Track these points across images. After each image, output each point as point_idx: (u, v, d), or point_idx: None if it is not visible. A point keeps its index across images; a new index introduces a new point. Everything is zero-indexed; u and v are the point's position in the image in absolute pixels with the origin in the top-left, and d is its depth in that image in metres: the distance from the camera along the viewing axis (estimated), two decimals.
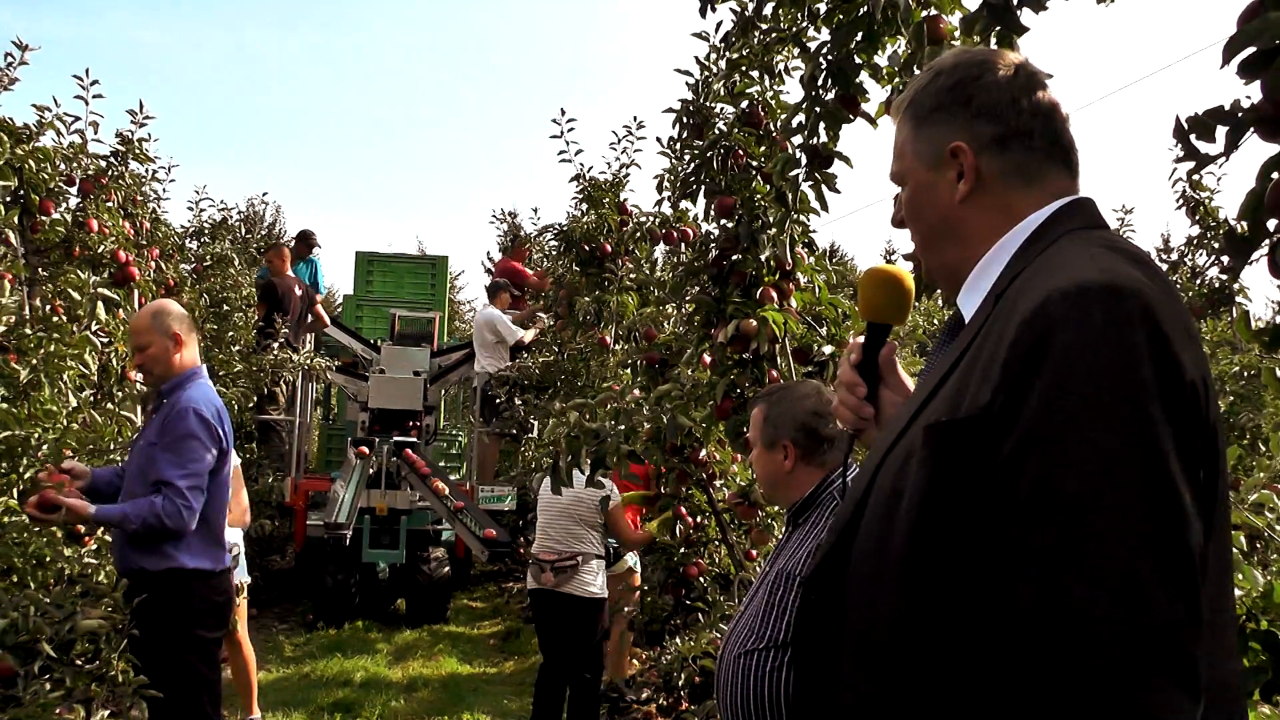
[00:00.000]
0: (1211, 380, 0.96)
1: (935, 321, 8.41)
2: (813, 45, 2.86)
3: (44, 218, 4.59)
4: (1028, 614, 0.88)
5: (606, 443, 3.57)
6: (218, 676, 3.37)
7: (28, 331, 3.69)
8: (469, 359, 8.90)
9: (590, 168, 6.56)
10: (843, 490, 1.87)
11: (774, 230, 3.47)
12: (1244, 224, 1.45)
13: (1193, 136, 1.48)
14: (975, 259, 1.15)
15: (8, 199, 4.39)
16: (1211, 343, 6.68)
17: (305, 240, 10.04)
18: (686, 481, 4.31)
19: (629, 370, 5.66)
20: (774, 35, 3.41)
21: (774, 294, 3.61)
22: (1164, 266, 7.17)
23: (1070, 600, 0.85)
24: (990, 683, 0.91)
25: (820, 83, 2.77)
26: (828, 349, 3.67)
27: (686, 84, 3.93)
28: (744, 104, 3.76)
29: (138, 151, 5.26)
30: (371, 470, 7.66)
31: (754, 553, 4.27)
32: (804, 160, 3.01)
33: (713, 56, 3.85)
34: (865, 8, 2.60)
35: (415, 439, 8.18)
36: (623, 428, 3.60)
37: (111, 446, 4.11)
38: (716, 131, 3.82)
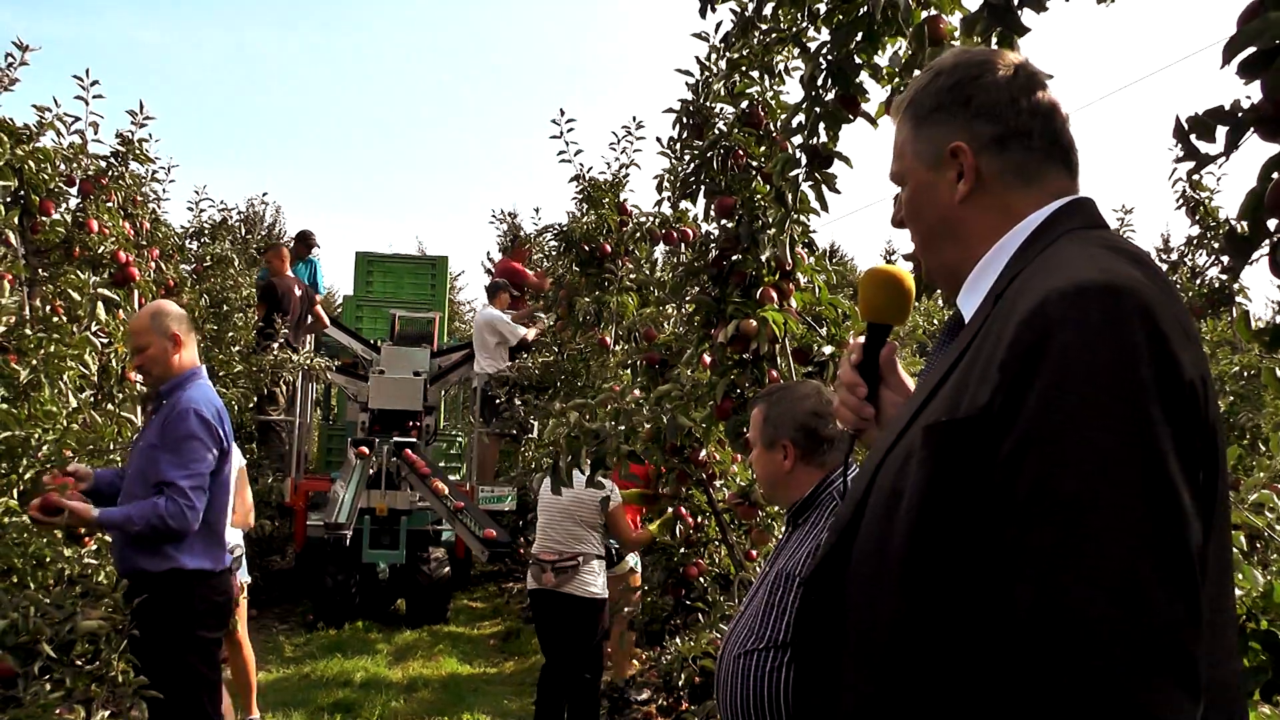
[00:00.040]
0: (1211, 380, 0.96)
1: (935, 321, 8.41)
2: (813, 45, 2.86)
3: (44, 218, 4.60)
4: (1027, 614, 0.88)
5: (606, 443, 3.57)
6: (218, 677, 3.37)
7: (28, 332, 3.69)
8: (469, 359, 8.90)
9: (590, 168, 6.56)
10: (843, 491, 1.87)
11: (774, 230, 3.47)
12: (1244, 224, 1.45)
13: (1193, 136, 1.48)
14: (975, 259, 1.15)
15: (8, 199, 4.39)
16: (1211, 343, 6.68)
17: (304, 240, 10.04)
18: (687, 482, 4.31)
19: (629, 370, 5.66)
20: (774, 35, 3.41)
21: (774, 294, 3.61)
22: (1164, 266, 7.17)
23: (1069, 600, 0.85)
24: (990, 683, 0.91)
25: (820, 83, 2.77)
26: (828, 349, 3.67)
27: (686, 84, 3.93)
28: (744, 104, 3.77)
29: (138, 152, 5.26)
30: (371, 471, 7.66)
31: (754, 553, 4.27)
32: (804, 160, 3.01)
33: (713, 57, 3.85)
34: (865, 8, 2.60)
35: (415, 439, 8.18)
36: (623, 428, 3.60)
37: (111, 447, 4.11)
38: (716, 132, 3.82)
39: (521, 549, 8.67)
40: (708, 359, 3.80)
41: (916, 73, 2.24)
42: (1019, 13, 2.07)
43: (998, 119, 1.15)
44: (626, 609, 5.28)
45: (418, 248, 23.71)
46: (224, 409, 3.42)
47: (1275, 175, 1.40)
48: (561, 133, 6.25)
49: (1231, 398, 5.75)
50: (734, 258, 3.65)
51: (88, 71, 4.76)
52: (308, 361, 7.88)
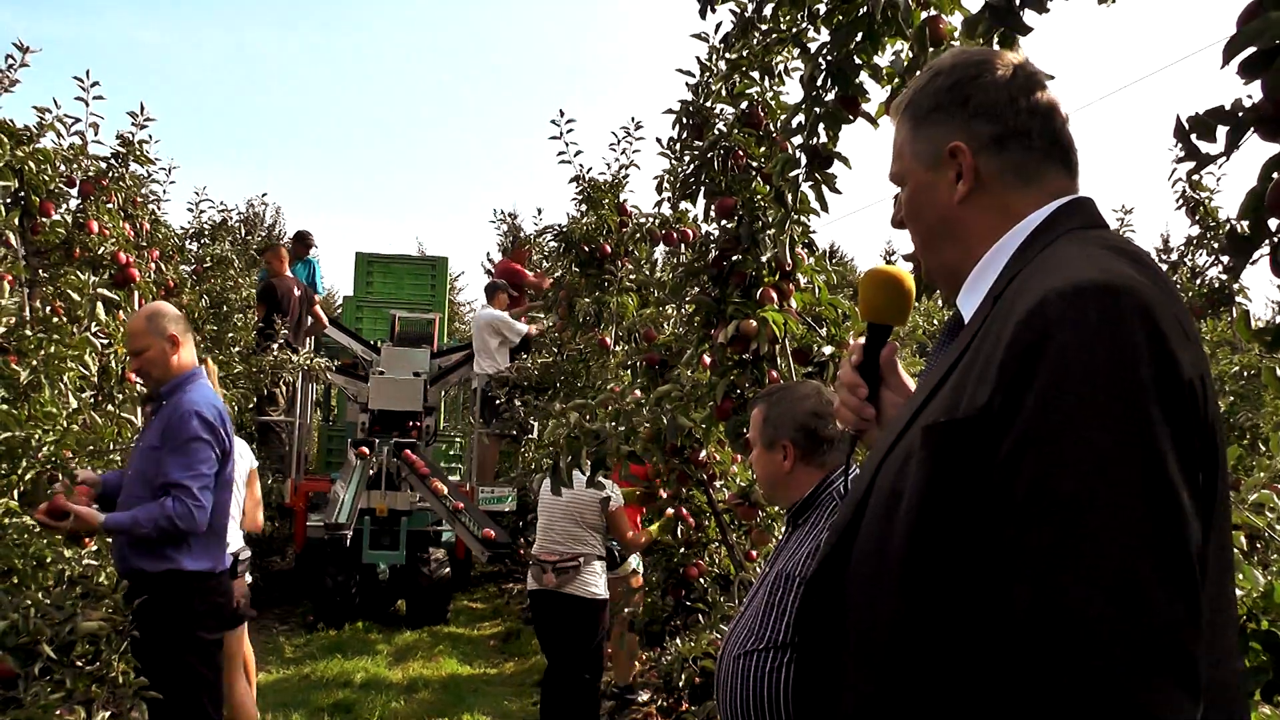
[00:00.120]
0: (1210, 380, 0.96)
1: (935, 322, 8.41)
2: (812, 46, 2.86)
3: (44, 219, 4.59)
4: (1026, 614, 0.88)
5: (606, 444, 3.57)
6: (218, 677, 3.37)
7: (28, 333, 3.69)
8: (469, 360, 8.91)
9: (590, 169, 6.56)
10: (843, 492, 1.87)
11: (774, 231, 3.47)
12: (1245, 223, 1.45)
13: (1193, 136, 1.48)
14: (974, 259, 1.15)
15: (8, 200, 4.39)
16: (1211, 343, 6.68)
17: (302, 240, 10.05)
18: (687, 482, 4.31)
19: (629, 371, 5.66)
20: (774, 36, 3.41)
21: (774, 294, 3.61)
22: (1164, 266, 7.16)
23: (1068, 600, 0.85)
24: (990, 683, 0.91)
25: (820, 83, 2.77)
26: (828, 349, 3.66)
27: (686, 84, 3.93)
28: (744, 105, 3.76)
29: (138, 153, 5.25)
30: (371, 471, 7.66)
31: (754, 553, 4.27)
32: (804, 161, 3.01)
33: (712, 57, 3.85)
34: (865, 8, 2.60)
35: (415, 440, 8.18)
36: (623, 429, 3.60)
37: (111, 448, 4.11)
38: (716, 132, 3.82)
39: (521, 550, 8.67)
40: (708, 359, 3.80)
41: (917, 73, 2.24)
42: (1021, 13, 2.07)
43: (996, 119, 1.15)
44: (627, 609, 5.28)
45: (418, 248, 23.73)
46: (225, 409, 3.42)
47: (1276, 175, 1.40)
48: (561, 133, 6.25)
49: (1231, 398, 5.75)
50: (734, 258, 3.65)
51: (88, 73, 4.76)
52: (307, 362, 7.88)
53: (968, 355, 1.02)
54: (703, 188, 3.78)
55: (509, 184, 44.04)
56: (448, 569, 8.15)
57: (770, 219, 3.53)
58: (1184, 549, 0.86)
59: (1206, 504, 0.92)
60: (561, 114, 6.22)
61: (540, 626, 4.95)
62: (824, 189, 3.08)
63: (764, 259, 3.59)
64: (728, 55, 3.68)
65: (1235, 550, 2.16)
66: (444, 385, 9.45)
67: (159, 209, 5.80)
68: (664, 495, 4.69)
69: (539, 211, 15.54)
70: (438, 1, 51.77)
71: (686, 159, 3.86)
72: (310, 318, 8.81)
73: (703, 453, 4.19)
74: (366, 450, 7.75)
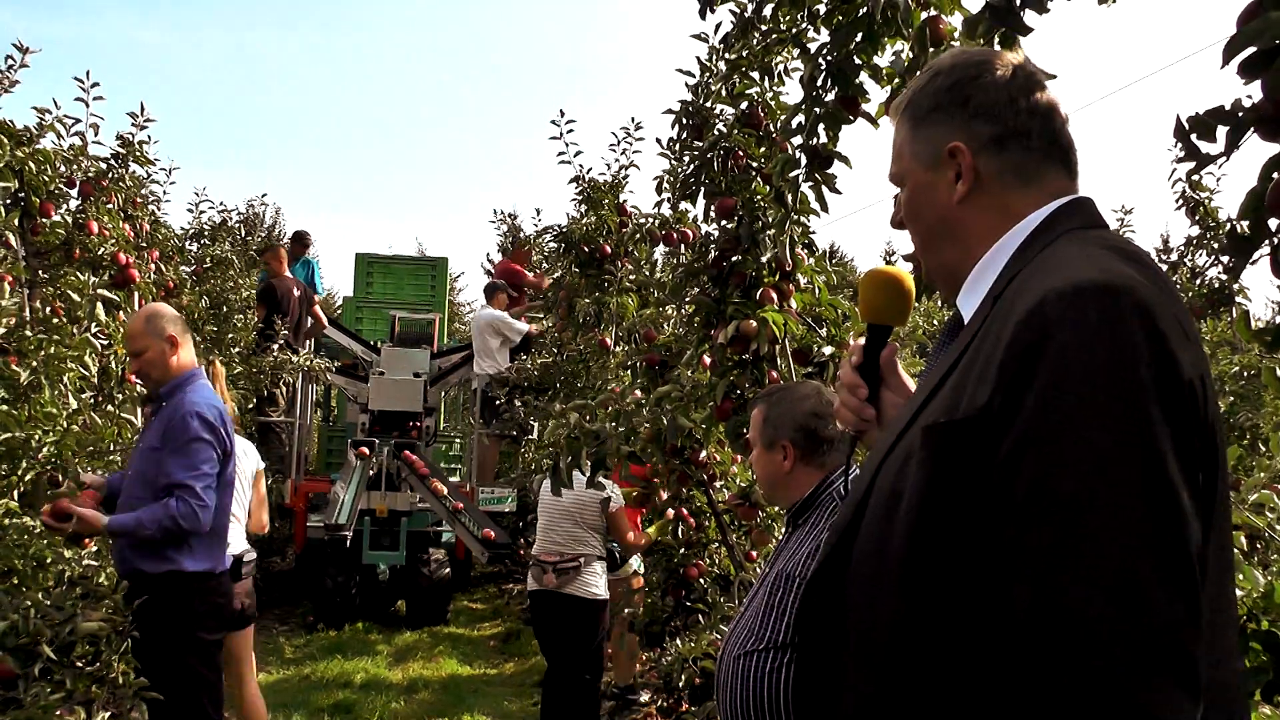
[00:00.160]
0: (1210, 380, 0.96)
1: (935, 322, 8.41)
2: (812, 46, 2.86)
3: (44, 220, 4.59)
4: (1026, 614, 0.88)
5: (606, 444, 3.57)
6: (218, 678, 3.37)
7: (28, 333, 3.69)
8: (469, 361, 8.91)
9: (590, 169, 6.56)
10: (843, 492, 1.87)
11: (774, 231, 3.47)
12: (1245, 224, 1.45)
13: (1193, 136, 1.48)
14: (974, 259, 1.15)
15: (8, 201, 4.39)
16: (1211, 343, 6.68)
17: (299, 240, 10.06)
18: (687, 483, 4.31)
19: (629, 372, 5.66)
20: (774, 36, 3.41)
21: (774, 295, 3.60)
22: (1164, 267, 7.15)
23: (1068, 600, 0.85)
24: (990, 683, 0.91)
25: (820, 83, 2.77)
26: (828, 350, 3.66)
27: (686, 85, 3.93)
28: (744, 105, 3.76)
29: (138, 154, 5.25)
30: (371, 472, 7.66)
31: (754, 554, 4.27)
32: (804, 161, 3.01)
33: (712, 58, 3.85)
34: (865, 9, 2.60)
35: (415, 440, 8.18)
36: (623, 429, 3.60)
37: (111, 448, 4.11)
38: (716, 132, 3.82)
39: (521, 550, 8.67)
40: (708, 360, 3.80)
41: (917, 74, 2.23)
42: (1021, 13, 2.07)
43: (996, 119, 1.15)
44: (627, 610, 5.28)
45: (417, 249, 23.75)
46: (225, 409, 3.42)
47: (1276, 175, 1.40)
48: (561, 133, 6.24)
49: (1231, 398, 5.75)
50: (734, 259, 3.65)
51: (88, 73, 4.76)
52: (307, 363, 7.88)
53: (967, 355, 1.02)
54: (703, 188, 3.78)
55: (509, 184, 44.12)
56: (448, 569, 8.15)
57: (770, 219, 3.53)
58: (1184, 549, 0.86)
59: (1206, 504, 0.92)
60: (562, 114, 6.22)
61: (540, 627, 4.94)
62: (824, 189, 3.07)
63: (764, 259, 3.59)
64: (727, 55, 3.68)
65: (1235, 550, 2.16)
66: (444, 386, 9.45)
67: (159, 210, 5.81)
68: (663, 496, 4.69)
69: (538, 212, 15.53)
70: (438, 2, 51.82)
71: (686, 159, 3.86)
72: (310, 318, 8.81)
73: (703, 453, 4.19)
74: (366, 451, 7.75)
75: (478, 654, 7.31)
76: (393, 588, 7.99)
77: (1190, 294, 6.73)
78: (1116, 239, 1.06)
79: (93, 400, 4.21)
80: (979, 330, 1.03)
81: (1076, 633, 0.84)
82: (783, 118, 3.25)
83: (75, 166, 4.89)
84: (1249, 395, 5.70)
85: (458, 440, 10.41)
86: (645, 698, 5.58)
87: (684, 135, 3.94)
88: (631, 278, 6.46)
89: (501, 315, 8.65)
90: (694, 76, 3.91)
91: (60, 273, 4.57)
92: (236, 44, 43.72)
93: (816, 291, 3.79)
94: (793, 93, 5.36)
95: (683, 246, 5.79)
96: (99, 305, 4.27)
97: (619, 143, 6.40)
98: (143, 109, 5.28)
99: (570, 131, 6.25)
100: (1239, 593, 2.00)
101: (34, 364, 3.61)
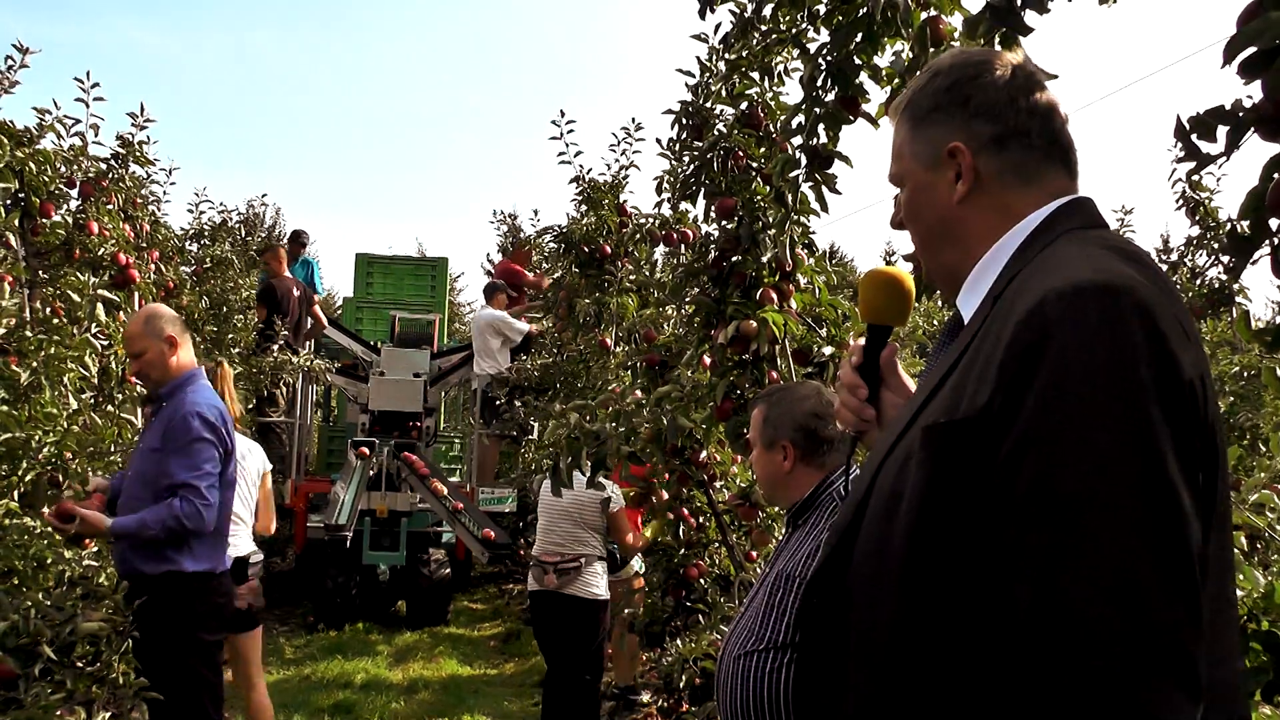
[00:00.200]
0: (1211, 380, 0.96)
1: (935, 322, 8.41)
2: (812, 46, 2.86)
3: (44, 220, 4.60)
4: (1026, 614, 0.88)
5: (606, 444, 3.56)
6: (219, 678, 3.37)
7: (28, 334, 3.69)
8: (469, 361, 8.91)
9: (590, 169, 6.56)
10: (843, 492, 1.87)
11: (774, 231, 3.47)
12: (1245, 223, 1.45)
13: (1194, 136, 1.48)
14: (974, 259, 1.15)
15: (8, 202, 4.39)
16: (1212, 343, 6.67)
17: (297, 239, 10.06)
18: (687, 483, 4.31)
19: (629, 372, 5.66)
20: (773, 36, 3.41)
21: (774, 295, 3.60)
22: (1164, 267, 7.14)
23: (1068, 600, 0.85)
24: (990, 683, 0.91)
25: (820, 84, 2.77)
26: (828, 350, 3.66)
27: (686, 85, 3.93)
28: (743, 105, 3.76)
29: (138, 154, 5.26)
30: (372, 472, 7.66)
31: (754, 554, 4.26)
32: (804, 161, 3.01)
33: (712, 58, 3.85)
34: (865, 9, 2.59)
35: (415, 441, 8.18)
36: (623, 429, 3.60)
37: (112, 449, 4.11)
38: (716, 133, 3.81)
39: (522, 551, 8.67)
40: (708, 360, 3.80)
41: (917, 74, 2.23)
42: (1022, 13, 2.07)
43: (996, 119, 1.15)
44: (627, 610, 5.28)
45: (417, 249, 23.76)
46: (225, 410, 3.42)
47: (1276, 175, 1.40)
48: (562, 133, 6.24)
49: (1231, 398, 5.75)
50: (734, 259, 3.65)
51: (88, 74, 4.76)
52: (308, 363, 7.88)
53: (967, 356, 1.02)
54: (703, 188, 3.77)
55: (509, 184, 44.13)
56: (448, 570, 8.16)
57: (770, 219, 3.53)
58: (1184, 549, 0.86)
59: (1207, 504, 0.92)
60: (562, 114, 6.22)
61: (540, 627, 4.94)
62: (824, 189, 3.07)
63: (764, 260, 3.59)
64: (727, 56, 3.68)
65: (1235, 551, 2.16)
66: (444, 386, 9.45)
67: (159, 210, 5.81)
68: (663, 496, 4.68)
69: (535, 213, 15.56)
70: (438, 2, 51.84)
71: (686, 159, 3.86)
72: (310, 318, 8.81)
73: (703, 453, 4.19)
74: (367, 451, 7.75)
75: (478, 654, 7.31)
76: (393, 588, 7.99)
77: (1190, 294, 6.73)
78: (1117, 239, 1.06)
79: (93, 401, 4.21)
80: (979, 330, 1.03)
81: (1077, 633, 0.84)
82: (783, 118, 3.25)
83: (75, 167, 4.89)
84: (1249, 395, 5.70)
85: (457, 440, 10.41)
86: (646, 698, 5.58)
87: (684, 135, 3.94)
88: (631, 278, 6.46)
89: (502, 315, 8.65)
90: (694, 77, 3.91)
91: (60, 273, 4.57)
92: (236, 44, 43.77)
93: (816, 292, 3.79)
94: (793, 93, 5.37)
95: (683, 247, 5.79)
96: (99, 306, 4.27)
97: (619, 143, 6.40)
98: (142, 109, 5.29)
99: (570, 132, 6.26)
100: (1239, 593, 1.99)
101: (34, 364, 3.61)
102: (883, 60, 2.74)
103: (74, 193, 4.90)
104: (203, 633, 3.27)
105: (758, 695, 1.94)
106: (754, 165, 3.73)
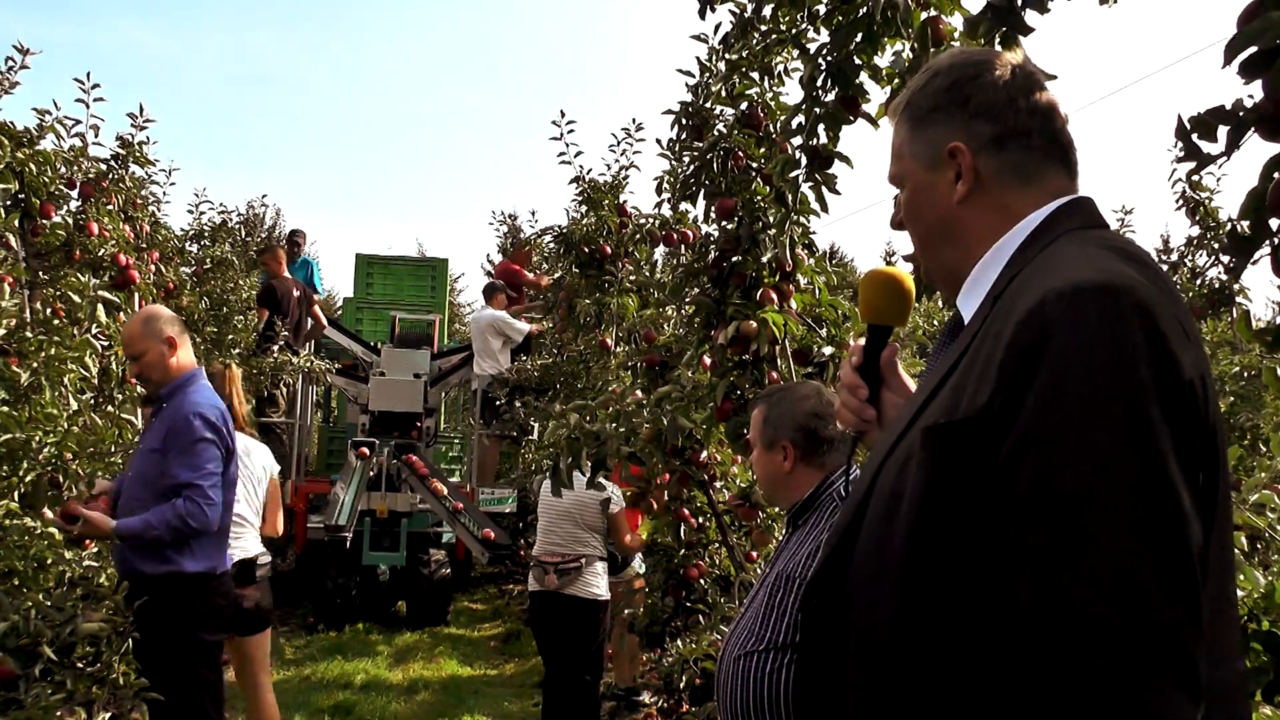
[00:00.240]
0: (1211, 380, 0.96)
1: (935, 322, 8.42)
2: (812, 46, 2.85)
3: (44, 221, 4.60)
4: (1026, 614, 0.88)
5: (606, 445, 3.56)
6: (219, 679, 3.37)
7: (28, 334, 3.69)
8: (469, 361, 8.91)
9: (590, 169, 6.56)
10: (843, 493, 1.86)
11: (774, 232, 3.47)
12: (1245, 223, 1.45)
13: (1194, 136, 1.48)
14: (974, 260, 1.15)
15: (8, 202, 4.39)
16: (1212, 343, 6.67)
17: (294, 239, 10.06)
18: (688, 483, 4.30)
19: (629, 372, 5.65)
20: (773, 36, 3.40)
21: (774, 295, 3.60)
22: (1164, 267, 7.13)
23: (1068, 600, 0.85)
24: (990, 684, 0.91)
25: (820, 84, 2.77)
26: (828, 350, 3.66)
27: (686, 85, 3.92)
28: (743, 105, 3.76)
29: (138, 154, 5.26)
30: (372, 473, 7.66)
31: (754, 554, 4.26)
32: (804, 161, 3.01)
33: (712, 58, 3.85)
34: (865, 9, 2.59)
35: (415, 441, 8.18)
36: (623, 430, 3.60)
37: (112, 449, 4.11)
38: (716, 133, 3.81)
39: (522, 551, 8.67)
40: (708, 360, 3.80)
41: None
42: (1022, 13, 2.07)
43: (996, 119, 1.15)
44: (627, 610, 5.28)
45: (418, 250, 23.76)
46: (226, 410, 3.43)
47: (1277, 175, 1.40)
48: (562, 134, 6.24)
49: (1232, 398, 5.74)
50: (734, 259, 3.65)
51: (88, 75, 4.76)
52: (308, 364, 7.88)
53: (967, 356, 1.02)
54: (703, 189, 3.77)
55: (509, 185, 44.15)
56: (448, 570, 8.15)
57: (770, 220, 3.52)
58: (1184, 549, 0.86)
59: (1207, 504, 0.92)
60: (562, 114, 6.21)
61: (540, 628, 4.94)
62: (824, 190, 3.07)
63: (764, 260, 3.59)
64: (727, 56, 3.68)
65: (1236, 551, 2.15)
66: (444, 386, 9.45)
67: (159, 211, 5.81)
68: (659, 498, 4.68)
69: (533, 214, 15.56)
70: (438, 2, 51.86)
71: (686, 160, 3.86)
72: (310, 319, 8.81)
73: (703, 454, 4.19)
74: (367, 451, 7.75)
75: (478, 655, 7.30)
76: (393, 588, 7.99)
77: (1191, 294, 6.72)
78: (1117, 239, 1.06)
79: (93, 401, 4.21)
80: (979, 330, 1.03)
81: (1076, 633, 0.84)
82: (783, 118, 3.24)
83: (75, 168, 4.90)
84: (1249, 396, 5.69)
85: (457, 441, 10.41)
86: (647, 699, 5.58)
87: (684, 136, 3.94)
88: (632, 278, 6.46)
89: (503, 315, 8.65)
90: (694, 77, 3.91)
91: (60, 274, 4.57)
92: (236, 44, 43.80)
93: (816, 292, 3.79)
94: (793, 93, 5.36)
95: (683, 247, 5.79)
96: (99, 306, 4.26)
97: (619, 143, 6.40)
98: (142, 110, 5.29)
99: (571, 132, 6.25)
100: (1239, 593, 1.99)
101: (34, 365, 3.60)
102: (883, 60, 2.74)
103: (74, 193, 4.90)
104: (203, 633, 3.27)
105: (758, 696, 1.94)
106: (754, 165, 3.73)
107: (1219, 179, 6.80)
